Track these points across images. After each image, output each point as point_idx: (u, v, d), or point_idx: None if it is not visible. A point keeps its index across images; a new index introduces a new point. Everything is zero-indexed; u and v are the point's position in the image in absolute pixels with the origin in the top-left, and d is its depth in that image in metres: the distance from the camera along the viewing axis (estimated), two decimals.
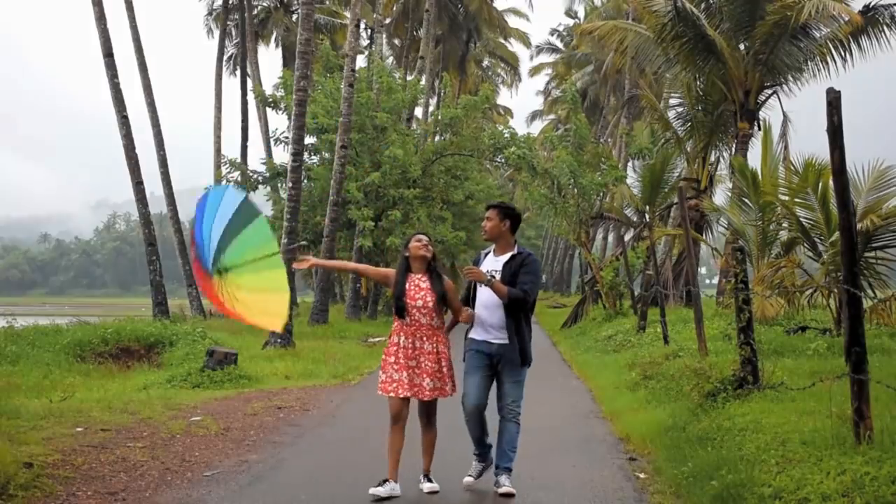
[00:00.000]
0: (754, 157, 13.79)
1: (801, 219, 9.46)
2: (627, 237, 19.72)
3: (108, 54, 17.24)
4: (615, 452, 5.52)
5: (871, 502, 3.25)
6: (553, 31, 42.62)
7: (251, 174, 21.92)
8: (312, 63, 16.61)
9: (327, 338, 14.41)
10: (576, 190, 18.70)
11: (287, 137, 17.91)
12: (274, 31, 30.22)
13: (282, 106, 21.17)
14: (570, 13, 41.19)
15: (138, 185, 17.70)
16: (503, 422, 4.49)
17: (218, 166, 23.30)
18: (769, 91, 15.82)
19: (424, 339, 4.40)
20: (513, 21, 36.66)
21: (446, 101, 29.64)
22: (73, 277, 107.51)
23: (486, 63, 41.03)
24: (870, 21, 14.27)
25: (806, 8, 13.08)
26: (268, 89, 22.88)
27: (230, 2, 27.57)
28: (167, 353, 11.24)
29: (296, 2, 28.85)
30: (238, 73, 28.42)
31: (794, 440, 4.14)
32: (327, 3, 29.80)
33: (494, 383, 4.53)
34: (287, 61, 27.84)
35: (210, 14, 29.54)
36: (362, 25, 26.89)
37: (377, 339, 14.77)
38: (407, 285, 4.44)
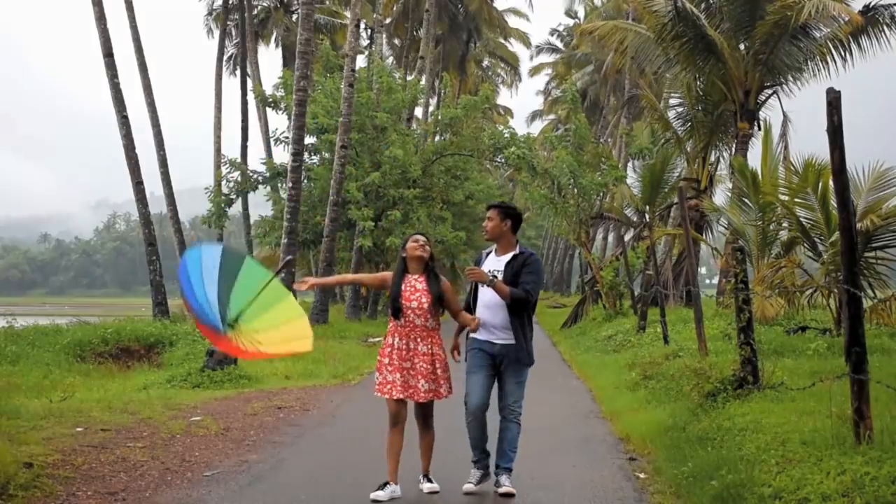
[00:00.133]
0: (754, 157, 13.80)
1: (801, 219, 9.46)
2: (627, 237, 19.73)
3: (108, 54, 17.25)
4: (615, 452, 5.52)
5: (871, 502, 3.25)
6: (553, 31, 42.66)
7: (251, 174, 21.92)
8: (312, 63, 16.64)
9: (327, 338, 14.40)
10: (576, 190, 18.70)
11: (287, 137, 17.92)
12: (274, 31, 30.22)
13: (282, 106, 21.17)
14: (570, 13, 41.25)
15: (138, 185, 17.71)
16: (504, 422, 4.48)
17: (218, 166, 23.30)
18: (769, 91, 15.82)
19: (419, 340, 4.38)
20: (513, 21, 36.73)
21: (446, 101, 29.64)
22: (73, 277, 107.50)
23: (486, 63, 41.04)
24: (870, 21, 14.27)
25: (806, 8, 13.08)
26: (268, 89, 22.90)
27: (230, 2, 27.58)
28: (167, 353, 11.24)
29: (296, 2, 28.86)
30: (238, 73, 28.44)
31: (794, 440, 4.14)
32: (327, 3, 29.80)
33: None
34: (287, 61, 27.84)
35: (210, 14, 29.55)
36: (362, 25, 26.89)
37: (377, 339, 14.77)
38: (403, 286, 4.42)
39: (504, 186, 40.69)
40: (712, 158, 17.17)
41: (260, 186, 22.07)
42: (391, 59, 31.60)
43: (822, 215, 8.95)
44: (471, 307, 4.56)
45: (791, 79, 15.38)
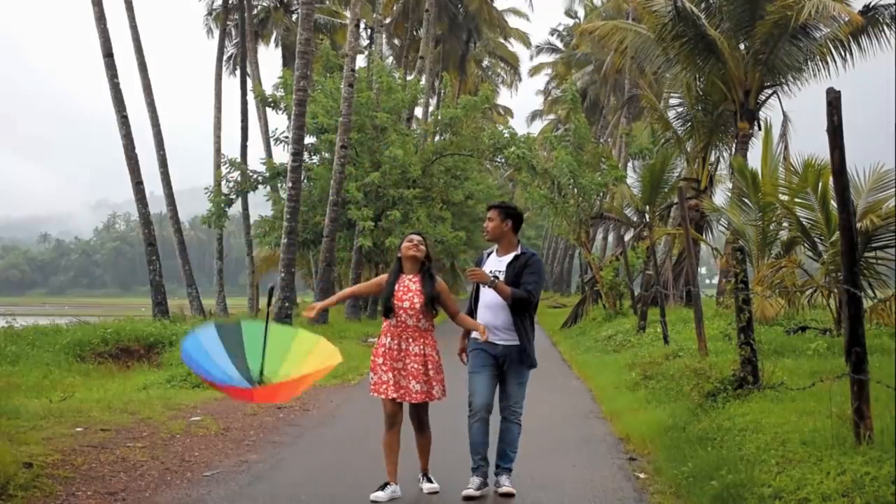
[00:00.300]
0: (754, 157, 13.80)
1: (801, 219, 9.46)
2: (627, 237, 19.72)
3: (108, 54, 17.25)
4: (615, 452, 5.52)
5: (871, 502, 3.24)
6: (553, 31, 42.66)
7: (251, 174, 21.92)
8: (312, 63, 16.64)
9: (327, 338, 14.38)
10: (576, 190, 18.70)
11: (287, 137, 17.92)
12: (274, 30, 30.20)
13: (282, 106, 21.17)
14: (570, 13, 41.25)
15: (138, 185, 17.71)
16: (505, 422, 4.46)
17: (218, 166, 23.29)
18: (769, 91, 15.82)
19: (410, 340, 4.35)
20: (513, 21, 36.74)
21: (446, 101, 29.65)
22: (72, 277, 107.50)
23: (486, 63, 41.04)
24: (870, 21, 14.27)
25: (806, 8, 13.08)
26: (268, 89, 22.89)
27: (230, 2, 27.56)
28: (167, 353, 11.23)
29: (296, 2, 28.84)
30: (238, 72, 28.40)
31: (794, 440, 4.14)
32: (327, 2, 29.78)
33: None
34: (287, 61, 27.82)
35: (210, 14, 29.52)
36: (362, 25, 26.88)
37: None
38: (397, 286, 4.41)
39: (504, 186, 40.69)
40: (712, 158, 17.17)
41: (260, 186, 22.06)
42: (391, 58, 31.60)
43: (823, 215, 8.95)
44: (472, 308, 4.55)
45: (791, 79, 15.38)
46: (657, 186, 17.60)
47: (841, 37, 14.32)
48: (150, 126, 20.72)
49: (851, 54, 14.67)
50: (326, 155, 21.06)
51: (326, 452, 5.65)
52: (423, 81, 24.77)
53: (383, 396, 4.34)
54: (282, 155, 22.06)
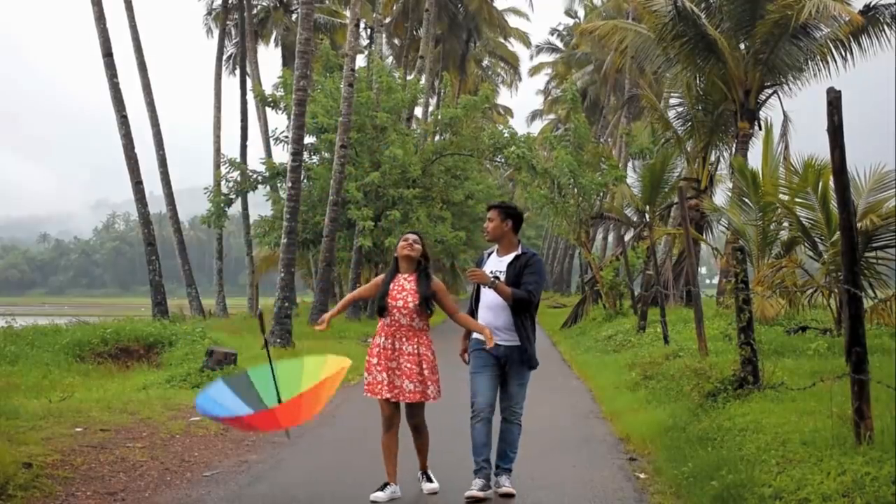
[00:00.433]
0: (754, 157, 13.80)
1: (802, 218, 9.45)
2: (627, 237, 19.72)
3: (108, 54, 17.24)
4: (615, 452, 5.51)
5: (871, 502, 3.24)
6: (553, 31, 42.65)
7: (251, 174, 21.91)
8: (312, 63, 16.60)
9: (327, 338, 14.38)
10: (576, 190, 18.69)
11: (286, 137, 17.89)
12: (273, 30, 30.18)
13: (281, 105, 21.16)
14: (570, 13, 41.26)
15: (138, 184, 17.70)
16: (505, 423, 4.45)
17: (217, 166, 23.28)
18: (769, 91, 15.82)
19: (404, 340, 4.33)
20: (513, 21, 36.73)
21: (446, 100, 29.64)
22: (72, 277, 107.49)
23: (486, 63, 41.04)
24: (870, 21, 14.27)
25: (806, 7, 13.07)
26: (267, 89, 22.88)
27: (229, 1, 27.55)
28: (166, 353, 11.22)
29: (295, 1, 28.83)
30: (238, 72, 28.38)
31: (795, 440, 4.13)
32: (327, 2, 29.77)
33: None
34: (287, 61, 27.80)
35: (209, 14, 29.50)
36: (362, 25, 26.87)
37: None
38: (392, 285, 4.40)
39: (504, 186, 40.69)
40: (712, 158, 17.17)
41: (259, 186, 22.05)
42: (391, 58, 31.60)
43: (823, 215, 8.95)
44: (473, 309, 4.54)
45: (791, 78, 15.38)
46: (657, 186, 17.59)
47: (841, 36, 14.32)
48: (149, 126, 20.71)
49: (852, 54, 14.67)
50: (326, 155, 21.05)
51: (326, 453, 5.64)
52: (422, 81, 24.76)
53: (378, 397, 4.33)
54: (281, 155, 22.08)
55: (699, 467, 4.35)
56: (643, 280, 13.97)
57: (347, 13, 23.84)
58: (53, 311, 32.16)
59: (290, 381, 4.35)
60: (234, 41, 29.44)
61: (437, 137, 23.43)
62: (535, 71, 43.71)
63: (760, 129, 15.02)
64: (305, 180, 19.27)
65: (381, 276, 4.62)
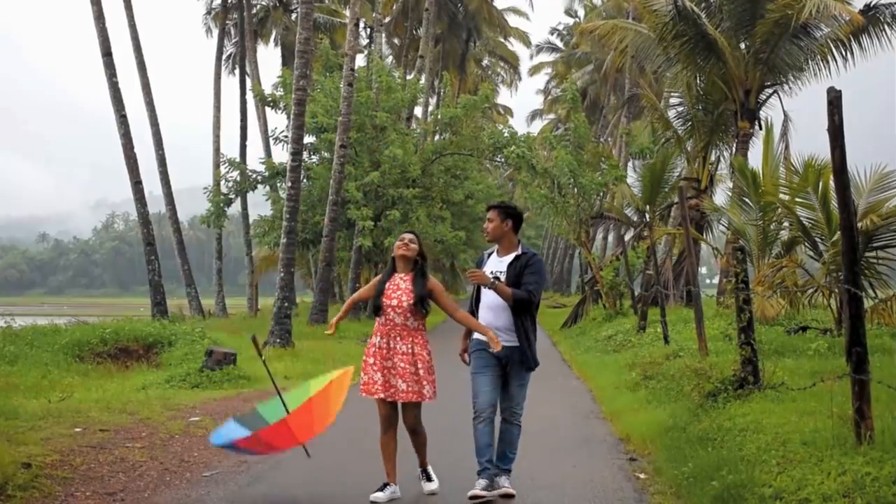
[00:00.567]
0: (755, 157, 13.80)
1: (802, 218, 9.45)
2: (628, 237, 19.71)
3: (107, 53, 17.23)
4: (615, 453, 5.51)
5: (872, 503, 3.24)
6: (553, 31, 42.64)
7: (250, 173, 21.89)
8: (312, 62, 16.59)
9: (326, 338, 14.34)
10: (576, 189, 18.69)
11: (286, 137, 17.88)
12: (273, 30, 30.16)
13: (281, 105, 21.14)
14: (570, 12, 41.25)
15: (137, 184, 17.68)
16: (505, 424, 4.44)
17: (217, 166, 23.26)
18: (770, 90, 15.81)
19: (398, 339, 4.32)
20: (513, 20, 36.73)
21: (446, 100, 29.63)
22: (71, 277, 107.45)
23: (485, 62, 41.04)
24: (871, 20, 14.26)
25: (807, 7, 13.07)
26: (267, 88, 22.87)
27: (229, 1, 27.54)
28: (166, 354, 11.20)
29: (295, 1, 28.82)
30: (237, 72, 28.38)
31: (795, 440, 4.13)
32: (326, 1, 29.76)
33: None
34: (286, 60, 27.79)
35: (209, 13, 29.48)
36: (361, 24, 26.87)
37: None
38: (387, 284, 4.40)
39: (504, 186, 40.69)
40: (713, 158, 17.16)
41: (259, 186, 22.03)
42: (390, 58, 31.58)
43: (823, 215, 8.94)
44: (473, 309, 4.53)
45: (792, 78, 15.38)
46: (657, 186, 17.58)
47: (842, 36, 14.31)
48: (149, 125, 20.69)
49: (852, 54, 14.67)
50: (326, 154, 21.03)
51: (326, 453, 5.62)
52: (422, 81, 24.75)
53: (374, 396, 4.33)
54: (281, 154, 22.07)
55: (699, 467, 4.34)
56: (643, 280, 13.96)
57: (347, 12, 23.82)
58: (52, 311, 32.14)
59: (297, 398, 4.59)
60: (233, 41, 29.43)
61: (436, 137, 23.42)
62: (534, 70, 43.75)
63: (761, 128, 15.02)
64: (305, 180, 19.25)
65: (379, 277, 4.62)
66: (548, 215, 20.72)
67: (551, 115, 45.86)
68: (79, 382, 9.16)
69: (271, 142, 22.85)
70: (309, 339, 13.94)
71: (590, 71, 37.56)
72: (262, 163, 22.57)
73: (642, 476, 4.82)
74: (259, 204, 24.56)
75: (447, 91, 30.53)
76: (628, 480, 4.73)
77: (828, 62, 14.87)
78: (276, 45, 30.65)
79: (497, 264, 4.46)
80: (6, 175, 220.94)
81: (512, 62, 40.02)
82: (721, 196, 18.53)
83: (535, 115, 48.07)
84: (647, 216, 18.28)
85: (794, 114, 17.65)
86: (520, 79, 41.39)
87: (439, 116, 22.95)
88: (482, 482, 4.27)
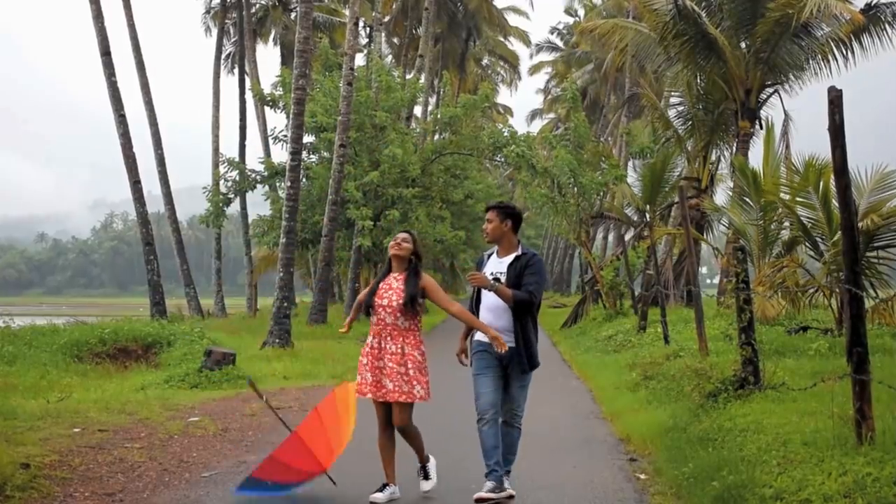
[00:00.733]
0: (755, 156, 13.79)
1: (803, 218, 9.44)
2: (628, 237, 19.70)
3: (106, 53, 17.21)
4: (616, 453, 5.50)
5: (873, 503, 3.22)
6: (553, 30, 42.67)
7: (249, 173, 21.88)
8: (311, 61, 16.58)
9: (326, 338, 14.36)
10: (576, 189, 18.68)
11: (285, 136, 17.86)
12: (272, 29, 30.14)
13: (280, 104, 21.13)
14: (570, 11, 41.25)
15: (136, 184, 17.67)
16: (505, 426, 4.42)
17: (216, 165, 23.24)
18: (770, 90, 15.80)
19: (389, 339, 4.31)
20: (512, 19, 36.76)
21: (446, 99, 29.63)
22: (70, 277, 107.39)
23: (485, 61, 41.04)
24: (871, 20, 14.26)
25: (807, 6, 13.06)
26: (266, 88, 22.87)
27: (228, 0, 27.52)
28: (165, 354, 11.20)
29: (294, 0, 28.80)
30: (236, 71, 28.36)
31: (796, 441, 4.12)
32: (326, 0, 29.75)
33: None
34: (286, 60, 27.78)
35: (208, 12, 29.45)
36: (361, 23, 26.84)
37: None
38: (381, 284, 4.39)
39: (504, 186, 40.70)
40: (713, 157, 17.15)
41: (258, 185, 22.03)
42: (390, 57, 31.56)
43: (824, 215, 8.93)
44: (473, 310, 4.51)
45: (792, 77, 15.37)
46: (658, 186, 17.56)
47: (842, 35, 14.31)
48: (148, 125, 20.67)
49: (853, 53, 14.67)
50: (325, 154, 21.02)
51: None
52: (422, 80, 24.74)
53: (366, 397, 4.33)
54: (280, 154, 22.07)
55: (700, 468, 4.33)
56: (643, 280, 13.95)
57: (346, 12, 23.79)
58: (51, 311, 32.12)
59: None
60: (232, 40, 29.41)
61: (436, 136, 23.42)
62: (534, 70, 43.75)
63: (761, 128, 15.01)
64: (304, 180, 19.25)
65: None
66: (548, 215, 20.71)
67: (551, 115, 45.86)
68: (77, 382, 9.16)
69: (270, 141, 22.87)
70: (308, 339, 13.93)
71: (590, 70, 37.56)
72: (262, 162, 22.57)
73: (642, 476, 4.81)
74: (258, 204, 24.56)
75: (447, 90, 30.53)
76: (628, 481, 4.71)
77: (828, 61, 14.86)
78: (275, 44, 30.63)
79: (497, 265, 4.43)
80: (5, 175, 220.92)
81: (512, 61, 40.02)
82: (721, 196, 18.55)
83: (534, 114, 48.10)
84: (648, 216, 18.26)
85: (795, 113, 17.65)
86: (519, 78, 41.46)
87: (439, 116, 22.94)
88: (489, 484, 4.23)
